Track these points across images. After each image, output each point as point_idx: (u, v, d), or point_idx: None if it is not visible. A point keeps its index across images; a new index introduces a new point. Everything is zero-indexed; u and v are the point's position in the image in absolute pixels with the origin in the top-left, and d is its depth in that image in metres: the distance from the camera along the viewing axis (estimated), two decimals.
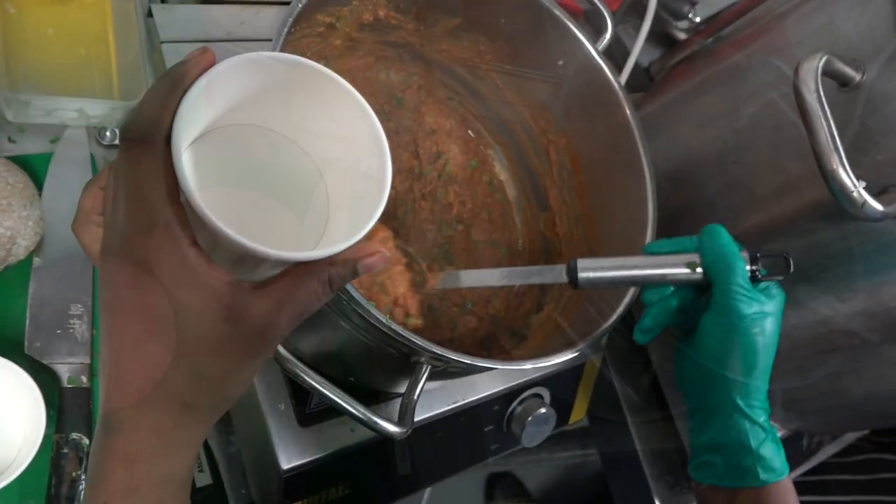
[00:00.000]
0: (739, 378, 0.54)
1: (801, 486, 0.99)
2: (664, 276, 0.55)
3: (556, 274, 0.57)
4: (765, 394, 0.55)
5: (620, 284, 0.57)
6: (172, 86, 0.33)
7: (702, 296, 0.57)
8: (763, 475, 0.54)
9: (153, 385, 0.34)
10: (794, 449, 0.92)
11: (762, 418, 0.55)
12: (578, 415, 0.87)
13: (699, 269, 0.54)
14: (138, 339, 0.34)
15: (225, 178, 0.39)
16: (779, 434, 0.86)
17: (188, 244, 0.33)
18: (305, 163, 0.42)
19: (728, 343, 0.54)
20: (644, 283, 0.57)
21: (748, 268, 0.54)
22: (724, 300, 0.53)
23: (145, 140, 0.33)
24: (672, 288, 0.57)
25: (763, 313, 0.54)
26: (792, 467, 0.93)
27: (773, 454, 0.55)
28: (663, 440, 0.92)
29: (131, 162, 0.33)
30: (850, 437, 1.05)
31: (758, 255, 0.54)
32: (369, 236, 0.40)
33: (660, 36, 1.14)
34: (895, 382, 0.67)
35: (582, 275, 0.55)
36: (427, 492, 1.42)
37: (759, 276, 0.54)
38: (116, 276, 0.34)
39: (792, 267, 0.55)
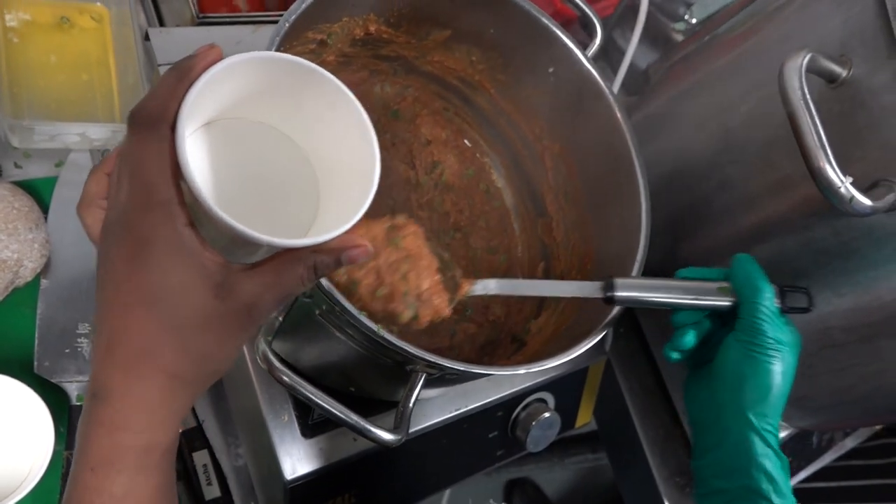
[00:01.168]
0: (756, 400, 0.55)
1: (816, 474, 0.99)
2: (697, 300, 0.58)
3: (592, 289, 0.59)
4: (778, 420, 0.56)
5: (653, 306, 0.59)
6: (180, 77, 0.35)
7: (723, 327, 0.60)
8: (777, 500, 0.55)
9: (143, 355, 0.36)
10: (805, 447, 0.92)
11: (776, 443, 0.56)
12: (584, 418, 0.87)
13: (730, 296, 0.57)
14: (131, 311, 0.36)
15: (222, 167, 0.41)
16: (787, 432, 0.86)
17: (184, 223, 0.35)
18: (298, 156, 0.44)
19: (749, 363, 0.56)
20: (676, 307, 0.59)
21: (775, 299, 0.57)
22: (751, 320, 0.56)
23: (151, 125, 0.35)
24: (703, 313, 0.60)
25: (784, 341, 0.56)
26: (803, 465, 0.93)
27: (784, 481, 0.56)
28: (671, 441, 0.92)
29: (137, 144, 0.36)
30: (862, 435, 1.04)
31: (783, 288, 0.58)
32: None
33: (658, 38, 1.15)
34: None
35: (619, 293, 0.57)
36: (446, 497, 1.43)
37: (785, 309, 0.57)
38: (115, 251, 0.36)
39: (813, 301, 0.59)
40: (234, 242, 0.37)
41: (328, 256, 0.38)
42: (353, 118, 0.41)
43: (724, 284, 0.58)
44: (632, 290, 0.58)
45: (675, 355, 0.61)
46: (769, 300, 0.56)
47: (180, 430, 0.41)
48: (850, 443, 1.02)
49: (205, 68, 0.36)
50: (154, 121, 0.35)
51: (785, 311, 0.57)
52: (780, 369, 0.55)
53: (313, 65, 0.39)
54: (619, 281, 0.58)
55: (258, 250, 0.39)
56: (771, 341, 0.55)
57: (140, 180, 0.35)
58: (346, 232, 0.38)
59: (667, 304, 0.59)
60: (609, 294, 0.58)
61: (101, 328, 0.37)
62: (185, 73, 0.36)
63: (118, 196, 0.37)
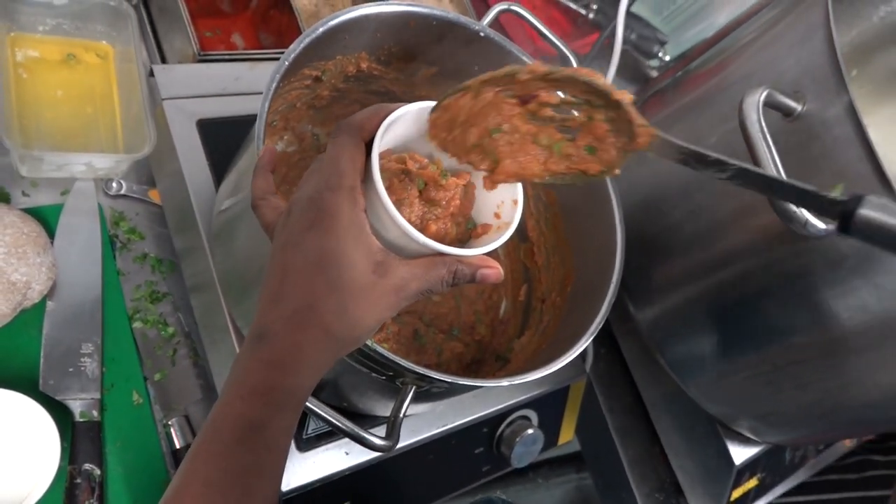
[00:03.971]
0: None
1: (792, 490, 1.02)
2: None
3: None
4: None
5: None
6: (378, 110, 0.47)
7: None
8: None
9: (307, 309, 0.43)
10: (777, 462, 0.95)
11: None
12: (567, 436, 0.90)
13: None
14: (303, 269, 0.44)
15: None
16: (759, 448, 0.90)
17: (362, 208, 0.44)
18: None
19: None
20: None
21: None
22: None
23: (352, 132, 0.46)
24: None
25: None
26: (777, 481, 0.96)
27: None
28: (651, 459, 0.95)
29: (338, 144, 0.46)
30: (837, 452, 1.09)
31: None
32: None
33: (635, 74, 1.21)
34: (859, 391, 0.71)
35: (867, 213, 0.38)
36: None
37: None
38: (300, 219, 0.45)
39: None
40: (395, 238, 0.45)
41: (468, 268, 0.47)
42: None
43: None
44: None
45: None
46: None
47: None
48: (825, 459, 1.06)
49: (393, 111, 0.47)
50: (354, 129, 0.46)
51: None
52: None
53: None
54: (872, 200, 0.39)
55: (410, 250, 0.46)
56: None
57: (334, 168, 0.45)
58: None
59: None
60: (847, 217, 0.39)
61: (272, 280, 0.45)
62: (383, 108, 0.47)
63: (309, 181, 0.46)
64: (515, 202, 0.50)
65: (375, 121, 0.47)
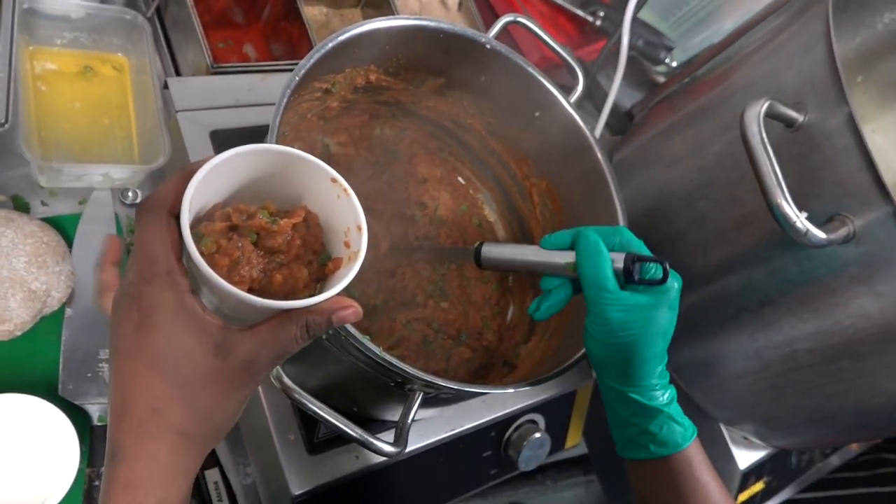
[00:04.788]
0: (622, 369, 0.58)
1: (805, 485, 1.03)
2: (547, 268, 0.61)
3: (467, 253, 0.68)
4: (653, 378, 0.58)
5: (515, 268, 0.66)
6: (183, 175, 0.42)
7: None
8: (655, 449, 0.60)
9: (152, 415, 0.41)
10: (783, 466, 0.96)
11: (658, 400, 0.59)
12: (574, 440, 0.92)
13: (575, 272, 0.58)
14: (140, 374, 0.41)
15: None
16: (766, 452, 0.91)
17: (186, 291, 0.40)
18: None
19: (605, 344, 0.58)
20: (533, 272, 0.64)
21: (623, 267, 0.56)
22: (594, 308, 0.57)
23: (154, 211, 0.42)
24: (565, 279, 0.61)
25: (631, 314, 0.56)
26: (783, 484, 0.97)
27: (667, 432, 0.59)
28: None
29: (142, 227, 0.42)
30: (848, 454, 1.09)
31: (636, 260, 0.56)
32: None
33: (641, 80, 1.22)
34: (861, 396, 0.72)
35: (484, 256, 0.66)
36: None
37: (637, 279, 0.56)
38: (124, 320, 0.41)
39: (667, 274, 0.56)
40: (232, 308, 0.41)
41: (320, 316, 0.42)
42: (341, 196, 0.45)
43: (572, 260, 0.58)
44: (495, 254, 0.66)
45: (536, 315, 0.63)
46: (609, 283, 0.56)
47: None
48: (831, 462, 1.07)
49: (199, 168, 0.42)
50: (156, 208, 0.41)
51: (638, 283, 0.56)
52: (635, 339, 0.56)
53: (296, 151, 0.44)
54: (485, 247, 0.66)
55: (254, 314, 0.42)
56: (616, 323, 0.56)
57: (145, 256, 0.41)
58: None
59: (524, 268, 0.64)
60: (478, 256, 0.66)
61: (115, 393, 0.42)
62: (187, 173, 0.42)
63: (127, 274, 0.42)
64: (360, 228, 0.45)
65: (181, 187, 0.41)
